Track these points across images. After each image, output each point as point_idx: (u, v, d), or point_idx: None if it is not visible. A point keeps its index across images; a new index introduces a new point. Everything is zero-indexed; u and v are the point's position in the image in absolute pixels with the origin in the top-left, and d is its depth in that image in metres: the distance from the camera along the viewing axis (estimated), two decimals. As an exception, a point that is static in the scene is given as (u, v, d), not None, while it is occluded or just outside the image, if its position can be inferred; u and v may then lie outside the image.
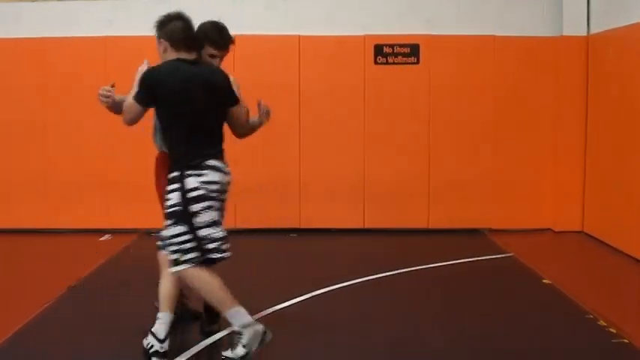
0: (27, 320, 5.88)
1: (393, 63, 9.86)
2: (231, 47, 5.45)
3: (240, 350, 4.79)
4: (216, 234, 4.98)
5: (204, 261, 4.90)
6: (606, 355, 5.28)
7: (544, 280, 7.25)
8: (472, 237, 9.71)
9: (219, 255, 4.99)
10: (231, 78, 5.32)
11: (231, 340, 5.03)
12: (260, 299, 6.18)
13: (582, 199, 9.80)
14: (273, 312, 6.10)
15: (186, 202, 4.82)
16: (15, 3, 10.02)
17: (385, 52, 9.85)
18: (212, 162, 4.98)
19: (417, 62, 9.85)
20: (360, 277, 7.35)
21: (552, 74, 9.81)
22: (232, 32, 9.87)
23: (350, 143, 9.94)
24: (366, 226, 10.00)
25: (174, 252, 4.83)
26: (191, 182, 4.83)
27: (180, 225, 4.82)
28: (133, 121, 5.03)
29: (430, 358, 5.26)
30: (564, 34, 9.71)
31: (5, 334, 5.51)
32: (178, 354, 5.08)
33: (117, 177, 9.60)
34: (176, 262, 4.84)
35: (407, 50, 9.85)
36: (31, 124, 9.81)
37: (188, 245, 4.82)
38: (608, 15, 9.17)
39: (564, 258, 8.77)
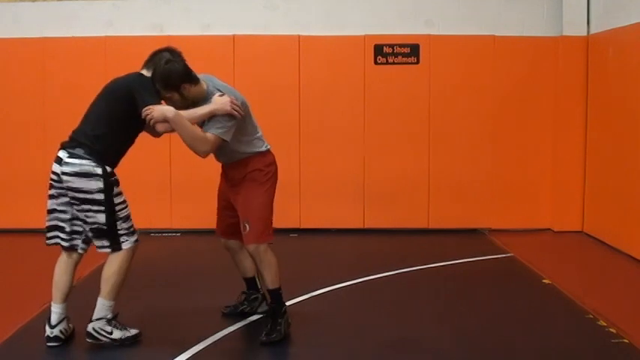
0: (27, 320, 5.89)
1: (393, 63, 9.86)
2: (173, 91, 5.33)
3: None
4: (47, 221, 5.32)
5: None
6: (606, 355, 5.28)
7: (544, 280, 7.26)
8: (472, 237, 9.71)
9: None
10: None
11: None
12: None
13: (582, 199, 9.80)
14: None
15: None
16: (14, 3, 10.02)
17: (385, 52, 9.84)
18: (59, 152, 5.18)
19: (417, 62, 9.85)
20: (360, 277, 7.36)
21: (552, 74, 9.81)
22: (232, 32, 9.96)
23: (350, 143, 9.94)
24: (365, 226, 10.00)
25: None
26: None
27: None
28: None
29: (430, 358, 5.26)
30: (564, 34, 9.71)
31: (5, 334, 5.52)
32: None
33: (118, 177, 9.60)
34: None
35: (407, 50, 9.85)
36: (31, 124, 9.82)
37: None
38: (608, 15, 9.18)
39: (564, 258, 8.77)
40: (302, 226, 9.96)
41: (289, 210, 9.94)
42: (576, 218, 9.83)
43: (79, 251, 5.39)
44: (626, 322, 5.84)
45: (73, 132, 5.31)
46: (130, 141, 5.38)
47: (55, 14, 9.99)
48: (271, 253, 5.49)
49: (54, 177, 5.22)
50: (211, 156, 5.46)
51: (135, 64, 9.70)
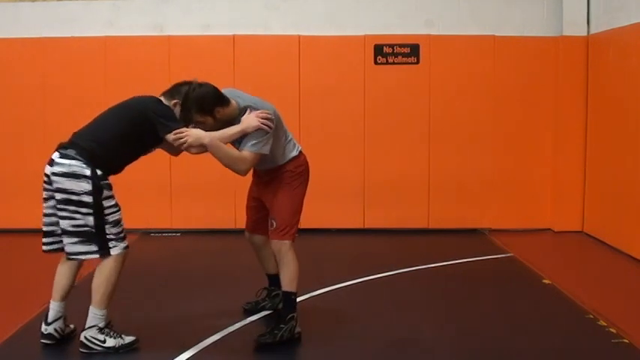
0: (27, 320, 5.89)
1: (393, 63, 9.86)
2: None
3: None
4: (42, 225, 5.30)
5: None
6: (606, 355, 5.28)
7: (544, 280, 7.26)
8: (472, 237, 9.71)
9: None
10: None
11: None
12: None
13: (582, 199, 9.80)
14: (272, 312, 6.13)
15: None
16: (14, 3, 10.02)
17: (385, 52, 9.85)
18: (53, 154, 5.16)
19: (417, 62, 9.84)
20: (360, 278, 7.36)
21: (552, 74, 9.82)
22: (232, 32, 9.97)
23: (350, 143, 9.94)
24: (365, 226, 10.00)
25: None
26: None
27: None
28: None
29: (429, 358, 5.26)
30: (564, 34, 9.71)
31: (5, 334, 5.52)
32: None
33: (117, 177, 9.60)
34: None
35: (407, 50, 9.85)
36: (32, 124, 9.82)
37: None
38: (608, 15, 9.17)
39: (564, 258, 8.77)
40: (302, 226, 9.89)
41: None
42: (576, 218, 9.83)
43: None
44: (627, 322, 5.84)
45: (73, 134, 5.29)
46: (131, 158, 5.41)
47: (55, 14, 9.99)
48: (294, 255, 5.55)
49: (45, 179, 5.16)
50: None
51: (135, 64, 9.79)
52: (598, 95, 9.43)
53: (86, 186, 4.99)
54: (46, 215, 5.24)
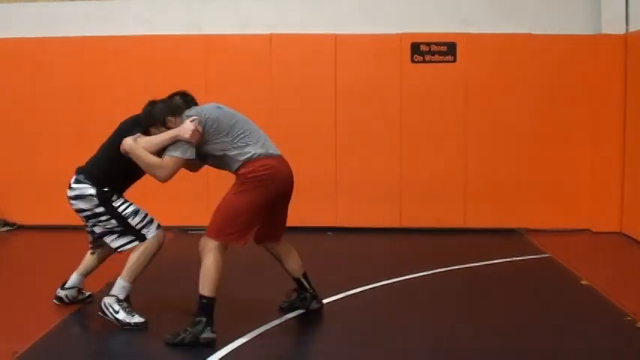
0: (65, 316, 6.02)
1: (430, 61, 9.82)
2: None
3: None
4: None
5: None
6: (645, 357, 5.24)
7: (582, 281, 7.20)
8: (509, 237, 9.66)
9: None
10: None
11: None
12: (296, 298, 6.21)
13: (621, 200, 9.69)
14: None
15: None
16: (54, 2, 10.13)
17: (422, 50, 9.82)
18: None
19: (454, 61, 9.81)
20: (397, 277, 7.35)
21: (590, 73, 9.72)
22: (269, 31, 10.01)
23: (386, 142, 9.93)
24: (402, 226, 9.98)
25: None
26: None
27: None
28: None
29: (466, 358, 5.25)
30: (602, 32, 9.62)
31: (43, 331, 5.61)
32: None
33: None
34: None
35: (444, 49, 9.82)
36: (69, 123, 9.93)
37: None
38: (647, 13, 9.09)
39: (602, 259, 8.70)
40: (338, 225, 9.97)
41: (325, 208, 9.97)
42: (614, 219, 9.72)
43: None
44: (666, 324, 5.79)
45: (88, 160, 5.98)
46: (132, 174, 5.90)
47: (93, 13, 10.09)
48: (217, 258, 5.39)
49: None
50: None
51: (172, 63, 9.86)
52: (637, 94, 9.31)
53: (95, 201, 5.73)
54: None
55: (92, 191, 5.71)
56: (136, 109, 5.80)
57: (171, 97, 5.82)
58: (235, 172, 5.56)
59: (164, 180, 5.51)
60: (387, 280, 7.24)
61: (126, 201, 5.85)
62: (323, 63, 9.88)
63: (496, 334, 5.71)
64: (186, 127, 5.35)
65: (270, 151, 5.63)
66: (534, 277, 7.64)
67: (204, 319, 5.31)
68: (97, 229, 5.85)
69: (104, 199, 5.72)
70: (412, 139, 9.89)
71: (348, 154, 9.94)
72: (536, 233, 9.65)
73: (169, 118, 5.50)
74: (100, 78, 9.90)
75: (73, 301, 6.25)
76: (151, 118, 5.56)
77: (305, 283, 6.09)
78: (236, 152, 5.49)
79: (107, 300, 5.71)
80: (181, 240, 9.32)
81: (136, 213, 5.80)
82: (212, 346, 5.21)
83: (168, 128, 5.49)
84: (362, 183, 9.94)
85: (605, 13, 9.62)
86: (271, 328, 5.73)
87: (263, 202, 5.50)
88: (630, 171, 9.52)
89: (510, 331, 5.77)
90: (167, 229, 9.61)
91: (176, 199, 9.83)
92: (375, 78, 9.88)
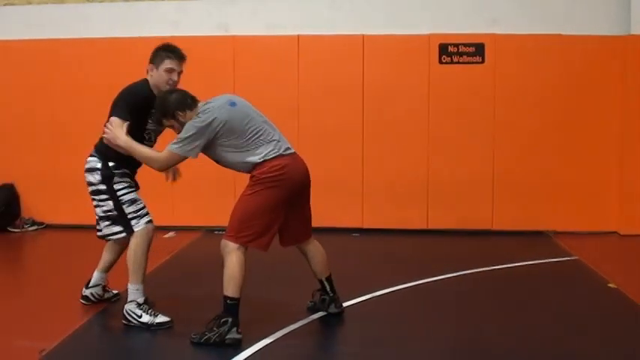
0: (92, 315, 6.07)
1: (458, 62, 9.80)
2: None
3: None
4: None
5: None
6: (673, 361, 5.19)
7: (609, 285, 7.14)
8: (536, 239, 9.60)
9: None
10: None
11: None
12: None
13: (650, 203, 9.63)
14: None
15: None
16: (83, 4, 10.22)
17: (450, 51, 9.79)
18: None
19: (482, 62, 9.77)
20: (423, 279, 7.33)
21: (620, 73, 9.65)
22: (296, 32, 10.03)
23: (414, 143, 9.90)
24: (429, 227, 9.95)
25: None
26: None
27: None
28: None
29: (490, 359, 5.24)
30: (632, 32, 9.55)
31: (70, 329, 5.65)
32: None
33: (183, 176, 9.73)
34: None
35: (472, 49, 9.79)
36: (99, 124, 9.98)
37: None
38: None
39: (630, 262, 8.61)
40: (364, 226, 9.97)
41: (352, 210, 9.97)
42: (643, 221, 9.67)
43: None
44: (695, 328, 5.73)
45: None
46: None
47: (123, 15, 10.17)
48: (238, 259, 5.38)
49: None
50: None
51: (200, 64, 9.87)
52: (667, 95, 9.26)
53: (98, 177, 5.80)
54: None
55: (98, 165, 5.81)
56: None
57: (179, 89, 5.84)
58: (248, 173, 5.56)
59: (159, 170, 5.68)
60: (412, 282, 7.21)
61: (128, 186, 5.87)
62: (350, 64, 9.88)
63: (521, 336, 5.67)
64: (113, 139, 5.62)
65: (283, 150, 5.58)
66: (561, 279, 7.59)
67: (230, 320, 5.31)
68: (97, 211, 5.88)
69: (107, 176, 5.77)
70: (439, 140, 9.87)
71: (374, 155, 9.93)
72: (563, 235, 9.58)
73: (179, 112, 5.52)
74: (128, 79, 9.82)
75: (99, 300, 6.31)
76: (163, 109, 5.60)
77: (327, 286, 6.07)
78: (248, 154, 5.47)
79: (127, 307, 5.74)
80: (208, 240, 9.35)
81: (132, 202, 5.81)
82: (237, 347, 5.22)
83: (178, 122, 5.52)
84: (389, 184, 9.92)
85: (634, 13, 9.54)
86: (297, 328, 5.72)
87: (278, 201, 5.48)
88: (660, 174, 9.45)
89: (536, 333, 5.73)
90: (194, 229, 9.81)
91: (203, 199, 9.90)
92: (403, 79, 9.86)
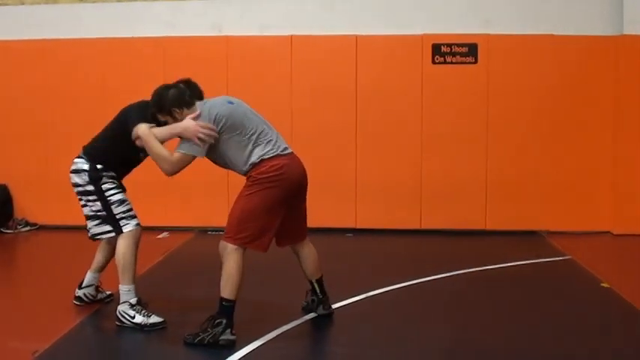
0: (85, 316, 6.05)
1: (451, 62, 9.81)
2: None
3: None
4: None
5: None
6: (666, 361, 5.20)
7: (602, 284, 7.15)
8: (530, 239, 9.62)
9: None
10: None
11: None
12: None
13: (643, 202, 9.65)
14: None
15: None
16: (76, 4, 10.20)
17: (443, 51, 9.80)
18: None
19: (475, 62, 9.78)
20: (417, 279, 7.33)
21: (612, 73, 9.66)
22: (289, 32, 10.04)
23: (407, 143, 9.91)
24: (422, 227, 9.96)
25: None
26: None
27: None
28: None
29: (485, 360, 5.24)
30: (625, 32, 9.57)
31: (63, 330, 5.64)
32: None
33: (176, 177, 9.72)
34: None
35: (465, 50, 9.80)
36: (91, 124, 9.95)
37: None
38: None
39: (623, 262, 8.64)
40: (358, 226, 9.97)
41: (345, 210, 9.97)
42: (636, 221, 9.65)
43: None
44: (687, 327, 5.75)
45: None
46: (124, 153, 5.91)
47: (116, 15, 10.16)
48: (237, 261, 5.37)
49: None
50: None
51: (193, 64, 9.89)
52: (659, 95, 9.28)
53: (85, 178, 5.85)
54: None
55: (86, 167, 5.85)
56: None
57: (176, 84, 5.80)
58: (245, 174, 5.53)
59: (169, 174, 5.57)
60: (406, 282, 7.21)
61: (116, 187, 5.90)
62: (344, 64, 9.89)
63: (514, 336, 5.68)
64: (190, 129, 5.37)
65: (281, 150, 5.56)
66: (555, 279, 7.60)
67: (224, 321, 5.30)
68: (85, 210, 5.93)
69: (95, 178, 5.81)
70: (433, 140, 9.87)
71: (368, 155, 9.93)
72: (557, 235, 9.60)
73: (175, 109, 5.51)
74: (122, 79, 9.95)
75: (93, 300, 6.32)
76: (159, 104, 5.58)
77: (317, 288, 6.06)
78: (247, 153, 5.45)
79: (120, 308, 5.74)
80: (201, 240, 9.37)
81: (121, 202, 5.84)
82: (231, 348, 5.22)
83: (173, 118, 5.52)
84: (382, 184, 9.93)
85: (627, 13, 9.56)
86: (290, 329, 5.72)
87: (276, 202, 5.45)
88: (652, 173, 9.47)
89: (529, 333, 5.73)
90: (186, 229, 9.80)
91: (196, 200, 9.90)
92: (396, 79, 9.87)
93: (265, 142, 5.51)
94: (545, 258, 8.41)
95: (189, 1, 10.16)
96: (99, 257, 6.26)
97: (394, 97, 9.88)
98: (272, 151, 5.50)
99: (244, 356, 5.11)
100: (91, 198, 5.84)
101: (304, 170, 5.72)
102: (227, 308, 5.32)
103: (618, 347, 5.41)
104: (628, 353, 5.30)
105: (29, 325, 5.86)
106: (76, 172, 5.91)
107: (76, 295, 6.31)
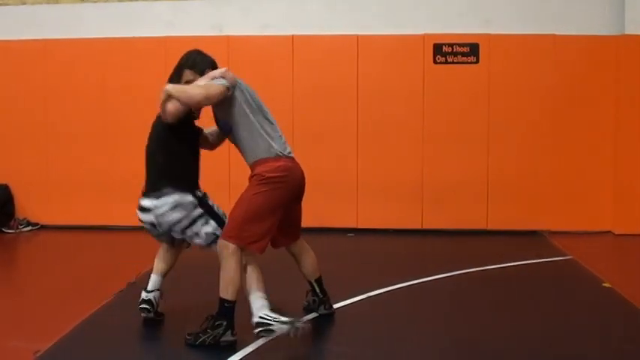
0: (86, 316, 6.02)
1: (453, 62, 9.80)
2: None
3: None
4: None
5: None
6: (667, 361, 5.19)
7: (604, 284, 7.14)
8: (531, 239, 9.62)
9: None
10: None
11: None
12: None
13: (644, 202, 9.65)
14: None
15: None
16: (78, 4, 10.20)
17: (444, 51, 9.80)
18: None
19: (477, 62, 9.78)
20: (418, 279, 7.32)
21: (613, 73, 9.66)
22: (290, 32, 10.02)
23: (408, 143, 9.91)
24: (424, 227, 9.96)
25: None
26: None
27: None
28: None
29: (486, 360, 5.24)
30: (626, 32, 9.57)
31: (64, 330, 5.63)
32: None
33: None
34: None
35: (466, 49, 9.79)
36: (92, 123, 10.00)
37: None
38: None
39: (625, 261, 8.64)
40: (359, 226, 9.96)
41: (346, 209, 9.96)
42: (637, 221, 9.65)
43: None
44: (689, 327, 5.74)
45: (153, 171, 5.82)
46: (197, 159, 5.75)
47: (117, 14, 10.16)
48: (236, 262, 5.29)
49: None
50: None
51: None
52: (661, 95, 9.28)
53: (192, 205, 5.55)
54: None
55: (189, 198, 5.50)
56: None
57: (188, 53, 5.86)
58: (252, 166, 5.48)
59: (203, 99, 5.29)
60: (407, 282, 7.21)
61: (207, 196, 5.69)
62: (345, 64, 9.89)
63: (515, 336, 5.67)
64: (226, 72, 5.43)
65: (287, 152, 5.56)
66: (556, 279, 7.60)
67: (225, 323, 5.28)
68: (188, 232, 5.56)
69: (201, 199, 5.56)
70: (434, 140, 9.87)
71: (369, 155, 9.93)
72: (558, 235, 9.60)
73: (209, 70, 5.54)
74: (122, 79, 9.95)
75: (154, 310, 5.89)
76: (195, 62, 5.72)
77: (317, 288, 6.06)
78: (259, 140, 5.42)
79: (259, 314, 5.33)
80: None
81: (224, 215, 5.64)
82: (232, 348, 5.21)
83: (181, 79, 5.60)
84: (383, 184, 9.92)
85: (628, 13, 9.57)
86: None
87: (280, 203, 5.43)
88: (654, 173, 9.46)
89: (530, 333, 5.73)
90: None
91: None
92: (398, 79, 9.86)
93: (276, 137, 5.52)
94: (546, 258, 8.41)
95: (190, 1, 10.16)
96: (161, 260, 6.00)
97: (395, 97, 9.87)
98: (279, 150, 5.48)
99: (245, 356, 5.11)
100: (200, 221, 5.55)
101: (304, 174, 5.71)
102: (228, 309, 5.30)
103: (619, 347, 5.41)
104: (629, 353, 5.30)
105: (31, 325, 5.86)
106: (175, 207, 5.48)
107: (145, 298, 5.84)
